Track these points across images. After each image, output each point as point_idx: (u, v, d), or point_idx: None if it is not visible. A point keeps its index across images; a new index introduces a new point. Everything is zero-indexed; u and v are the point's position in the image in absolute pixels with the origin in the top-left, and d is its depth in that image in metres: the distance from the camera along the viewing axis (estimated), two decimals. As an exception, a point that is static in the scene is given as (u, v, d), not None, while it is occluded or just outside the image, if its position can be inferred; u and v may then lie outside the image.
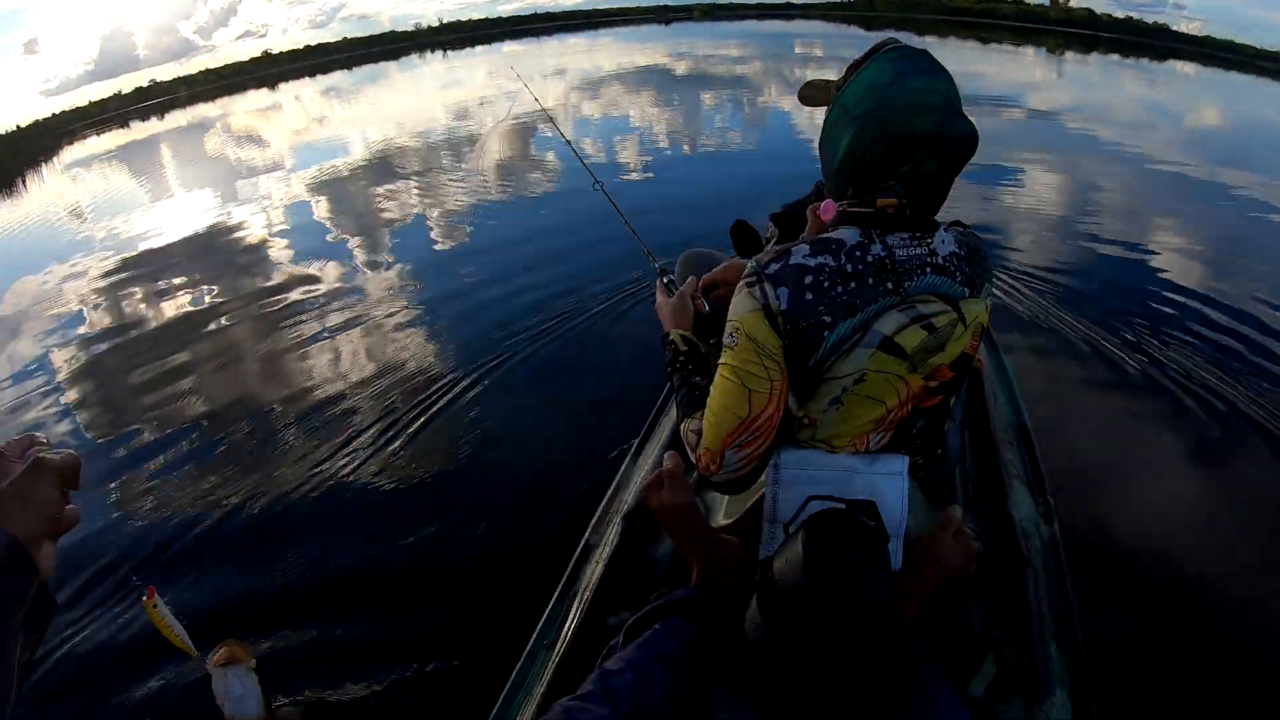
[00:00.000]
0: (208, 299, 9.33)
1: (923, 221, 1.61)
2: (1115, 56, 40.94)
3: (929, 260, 1.60)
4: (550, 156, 14.58)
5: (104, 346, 8.46)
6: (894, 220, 1.58)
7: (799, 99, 1.96)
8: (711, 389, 1.66)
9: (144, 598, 0.99)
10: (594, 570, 2.42)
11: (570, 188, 11.19)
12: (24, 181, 37.66)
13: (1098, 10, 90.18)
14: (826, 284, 1.56)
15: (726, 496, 2.12)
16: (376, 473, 4.82)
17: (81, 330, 9.24)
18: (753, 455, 1.63)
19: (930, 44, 41.37)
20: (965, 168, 1.61)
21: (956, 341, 1.62)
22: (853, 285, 1.56)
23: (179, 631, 1.17)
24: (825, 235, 1.62)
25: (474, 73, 50.58)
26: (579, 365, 5.79)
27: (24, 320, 10.29)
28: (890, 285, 1.57)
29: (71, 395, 7.23)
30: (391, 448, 5.03)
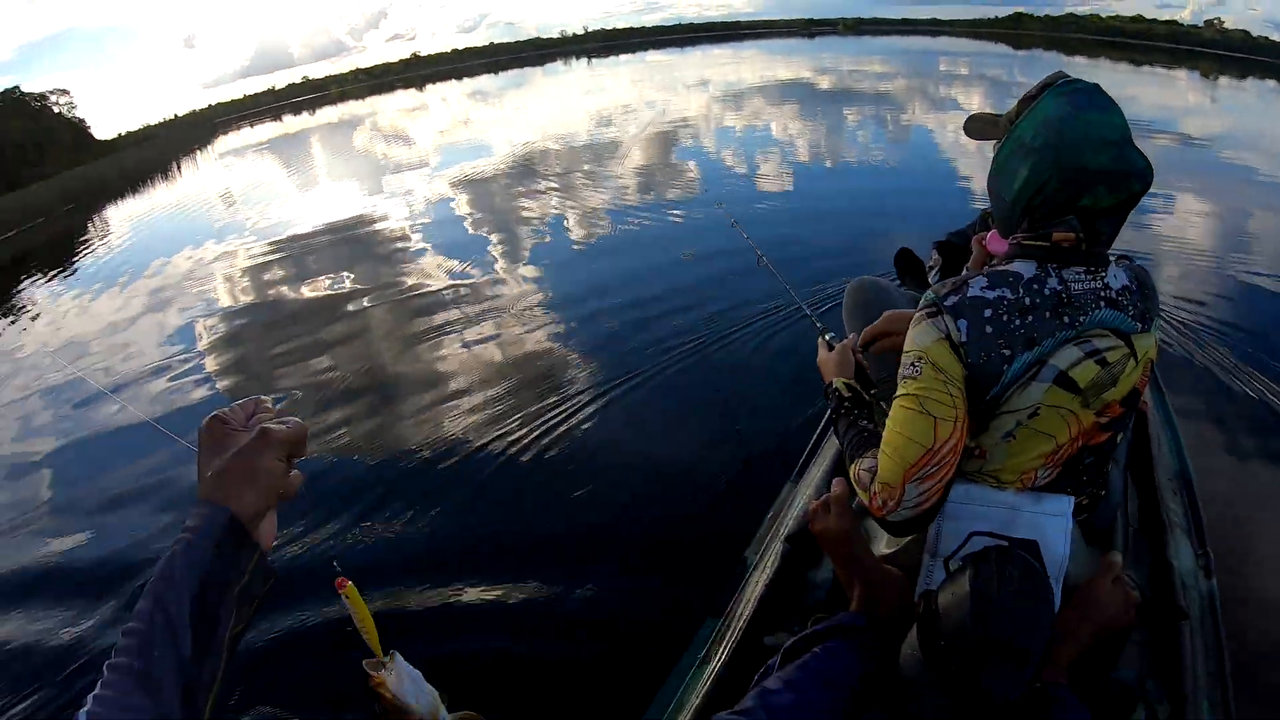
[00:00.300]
0: (349, 286, 9.57)
1: (1096, 255, 1.59)
2: (1272, 82, 39.02)
3: (1103, 294, 1.58)
4: (692, 171, 14.51)
5: (248, 322, 8.82)
6: (1069, 254, 1.56)
7: (965, 132, 1.97)
8: (889, 423, 1.63)
9: (339, 585, 0.95)
10: (754, 590, 2.41)
11: (713, 209, 11.13)
12: (179, 167, 39.55)
13: (1254, 33, 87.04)
14: (1005, 317, 1.55)
15: None
16: (508, 470, 4.79)
17: (227, 306, 9.68)
18: (934, 489, 1.58)
19: (1080, 65, 40.49)
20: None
21: (1128, 377, 1.58)
22: (1030, 319, 1.55)
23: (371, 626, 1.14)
24: (1001, 268, 1.62)
25: (618, 80, 51.09)
26: (714, 389, 5.58)
27: (176, 294, 10.86)
28: (1066, 319, 1.56)
29: (214, 365, 7.57)
30: (525, 445, 4.99)
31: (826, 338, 2.36)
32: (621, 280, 7.97)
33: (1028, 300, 1.55)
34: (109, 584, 4.30)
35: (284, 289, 10.06)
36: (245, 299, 9.94)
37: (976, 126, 1.93)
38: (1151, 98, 26.37)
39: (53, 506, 5.49)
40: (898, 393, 1.62)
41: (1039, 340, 1.55)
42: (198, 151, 51.34)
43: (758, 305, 6.49)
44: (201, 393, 6.88)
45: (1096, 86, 1.57)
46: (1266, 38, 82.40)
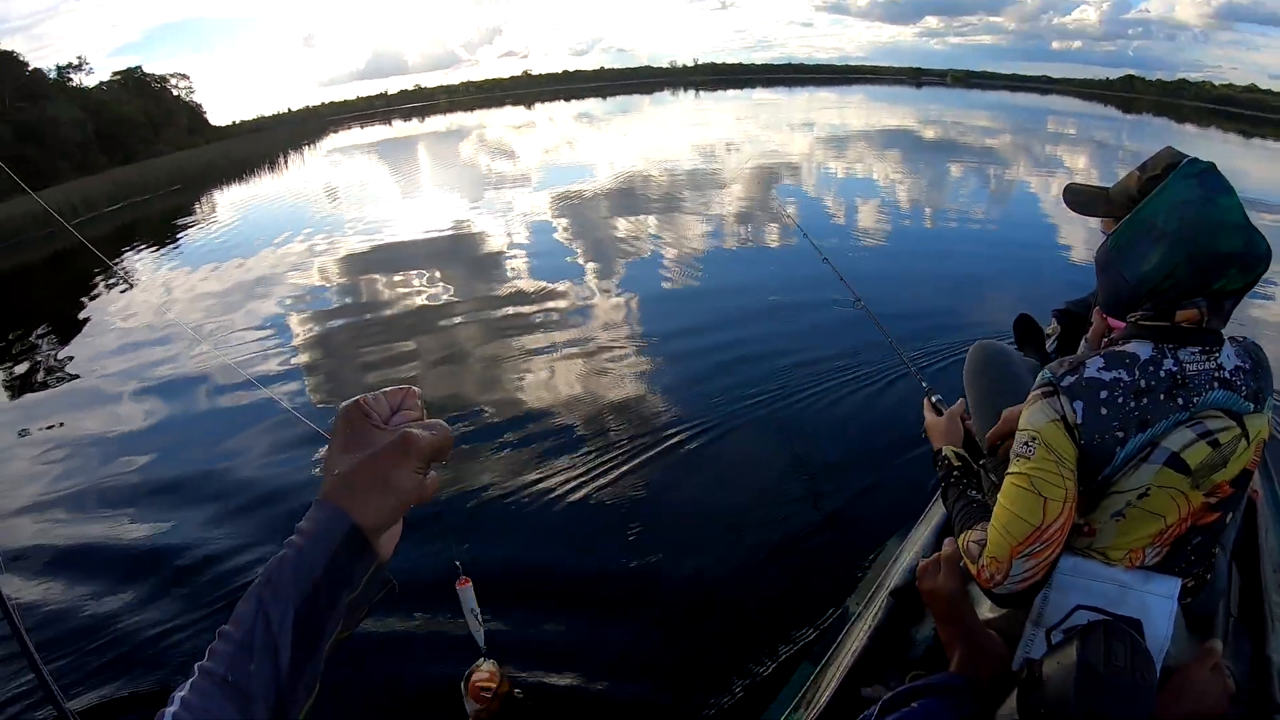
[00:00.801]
0: (438, 294, 9.69)
1: (1212, 335, 1.59)
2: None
3: (1216, 375, 1.58)
4: (791, 211, 14.20)
5: (336, 319, 8.93)
6: (1186, 334, 1.57)
7: (1067, 203, 1.97)
8: (1000, 498, 1.64)
9: (459, 583, 0.91)
10: (855, 640, 2.43)
11: (804, 249, 10.98)
12: (286, 159, 40.62)
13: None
14: (1120, 399, 1.56)
15: None
16: (583, 496, 4.70)
17: (319, 300, 9.86)
18: (1040, 565, 1.58)
19: (1190, 133, 39.61)
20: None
21: (1239, 458, 1.56)
22: (1145, 401, 1.56)
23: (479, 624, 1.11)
24: (1119, 349, 1.63)
25: (723, 115, 51.26)
26: (805, 436, 5.38)
27: (271, 282, 11.12)
28: (1180, 401, 1.56)
29: (300, 359, 7.63)
30: (604, 476, 4.89)
31: (933, 399, 2.39)
32: (714, 317, 7.84)
33: (1143, 382, 1.56)
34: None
35: (377, 287, 10.27)
36: (339, 291, 10.21)
37: (1080, 200, 1.94)
38: (1261, 171, 25.59)
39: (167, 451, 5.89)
40: (1010, 469, 1.64)
41: (1152, 422, 1.56)
42: (307, 146, 52.79)
43: (853, 356, 6.30)
44: (284, 388, 6.98)
45: (1213, 166, 1.58)
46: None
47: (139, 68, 68.60)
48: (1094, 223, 2.03)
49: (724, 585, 3.85)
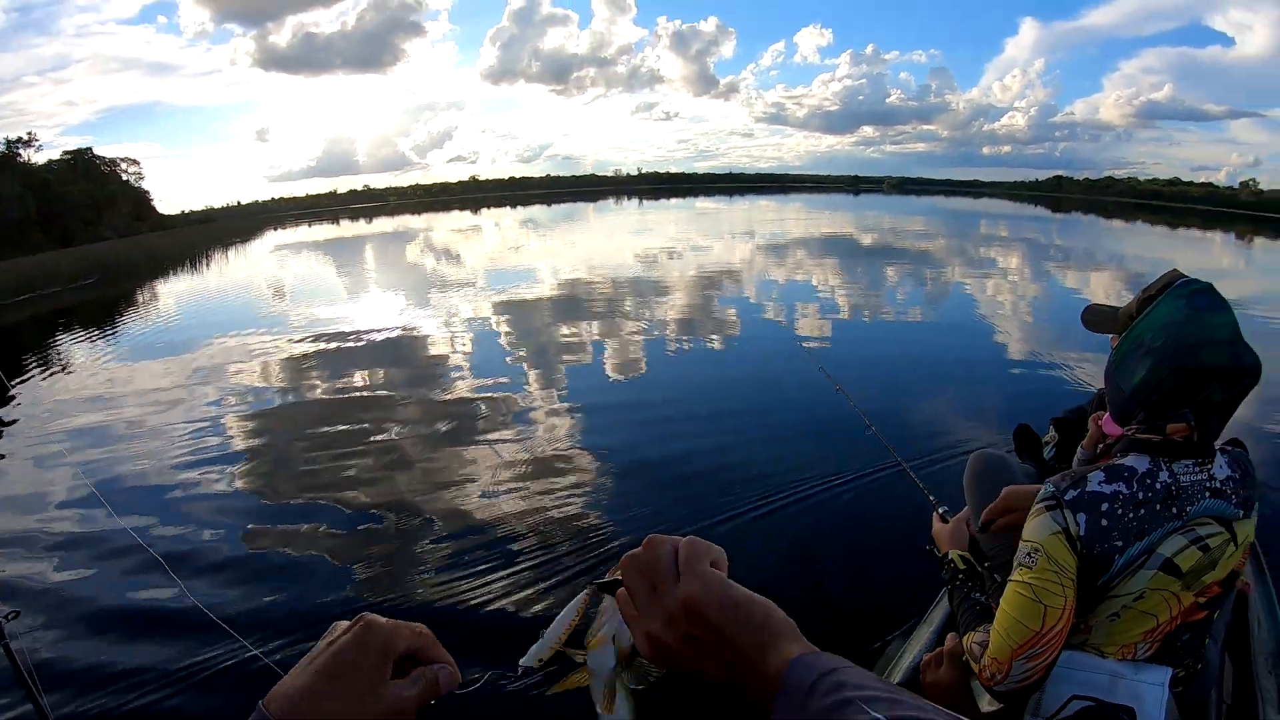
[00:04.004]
0: (381, 395, 9.57)
1: (1205, 447, 1.71)
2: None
3: (1209, 485, 1.70)
4: (744, 318, 14.48)
5: (277, 418, 8.71)
6: (1180, 448, 1.69)
7: (1084, 324, 2.16)
8: (1003, 603, 1.74)
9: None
10: None
11: (763, 348, 11.19)
12: (232, 253, 40.27)
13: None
14: (1120, 511, 1.68)
15: None
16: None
17: (260, 397, 9.64)
18: (1039, 667, 1.68)
19: (1118, 228, 40.41)
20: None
21: (1227, 561, 1.70)
22: (1142, 512, 1.68)
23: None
24: (1117, 462, 1.75)
25: (665, 222, 51.84)
26: (802, 539, 5.24)
27: (212, 378, 10.90)
28: (1174, 510, 1.68)
29: (238, 460, 7.33)
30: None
31: (940, 511, 2.59)
32: (705, 421, 7.83)
33: (1140, 495, 1.68)
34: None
35: (319, 390, 10.04)
36: (278, 396, 9.88)
37: (1095, 319, 2.11)
38: (1187, 260, 26.00)
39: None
40: (1013, 575, 1.74)
41: (1149, 532, 1.68)
42: (253, 241, 52.37)
43: (848, 461, 6.17)
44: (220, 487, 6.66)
45: (1210, 287, 1.71)
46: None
47: (89, 149, 69.26)
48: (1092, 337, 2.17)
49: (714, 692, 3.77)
